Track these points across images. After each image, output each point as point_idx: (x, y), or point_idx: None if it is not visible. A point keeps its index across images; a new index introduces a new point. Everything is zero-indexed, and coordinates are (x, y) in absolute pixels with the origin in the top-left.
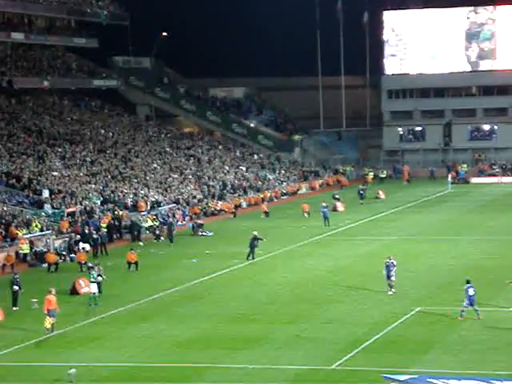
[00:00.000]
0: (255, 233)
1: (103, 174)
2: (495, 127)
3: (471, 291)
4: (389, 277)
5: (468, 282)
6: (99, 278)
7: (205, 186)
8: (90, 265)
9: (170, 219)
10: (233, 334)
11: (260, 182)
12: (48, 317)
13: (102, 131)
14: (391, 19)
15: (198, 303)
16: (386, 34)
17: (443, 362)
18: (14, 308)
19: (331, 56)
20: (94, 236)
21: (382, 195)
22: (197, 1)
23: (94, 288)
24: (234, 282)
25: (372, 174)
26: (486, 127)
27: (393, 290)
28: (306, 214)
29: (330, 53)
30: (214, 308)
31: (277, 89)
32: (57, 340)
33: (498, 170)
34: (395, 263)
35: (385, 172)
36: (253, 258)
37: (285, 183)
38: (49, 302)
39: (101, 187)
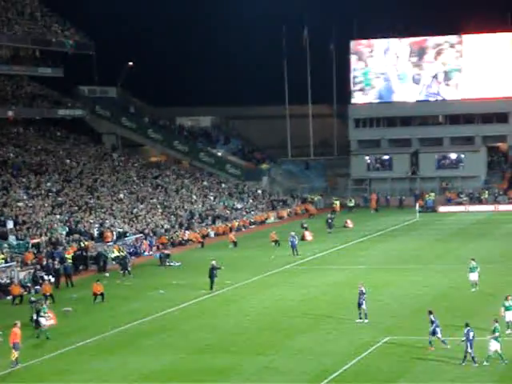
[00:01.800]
0: (213, 262)
1: (69, 205)
2: (462, 156)
3: (433, 318)
4: (359, 305)
5: (430, 313)
6: (47, 317)
7: (172, 216)
8: (32, 299)
9: (125, 252)
10: (200, 366)
11: (228, 212)
12: (13, 350)
13: (68, 161)
14: (358, 48)
15: (166, 335)
16: (353, 63)
17: None
18: None
19: (298, 85)
20: (56, 267)
21: (350, 224)
22: (163, 30)
23: (43, 321)
24: (202, 312)
25: (338, 202)
26: (453, 156)
27: (365, 320)
28: (274, 244)
29: (296, 82)
30: (182, 339)
31: (244, 118)
32: (22, 373)
33: (465, 198)
34: (364, 291)
35: (353, 201)
36: (211, 288)
37: (253, 212)
38: (14, 335)
39: (66, 218)
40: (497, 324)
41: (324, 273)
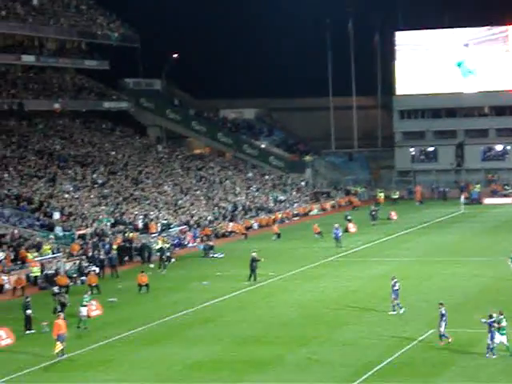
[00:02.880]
0: (254, 254)
1: (114, 196)
2: (508, 147)
3: (444, 311)
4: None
5: (441, 305)
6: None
7: (216, 208)
8: (55, 291)
9: (166, 245)
10: (244, 357)
11: (271, 203)
12: (58, 342)
13: (113, 153)
14: (403, 40)
15: (210, 325)
16: (398, 55)
17: None
18: (28, 332)
19: (342, 76)
20: (101, 257)
21: (394, 216)
22: (207, 22)
23: (84, 311)
24: (246, 304)
25: (383, 194)
26: (499, 147)
27: (392, 312)
28: (317, 235)
29: (341, 73)
30: (226, 330)
31: (288, 110)
32: (67, 364)
33: (510, 190)
34: (392, 283)
35: (397, 193)
36: (254, 280)
37: (296, 204)
38: (58, 327)
39: (111, 209)
40: (502, 316)
41: (368, 265)
